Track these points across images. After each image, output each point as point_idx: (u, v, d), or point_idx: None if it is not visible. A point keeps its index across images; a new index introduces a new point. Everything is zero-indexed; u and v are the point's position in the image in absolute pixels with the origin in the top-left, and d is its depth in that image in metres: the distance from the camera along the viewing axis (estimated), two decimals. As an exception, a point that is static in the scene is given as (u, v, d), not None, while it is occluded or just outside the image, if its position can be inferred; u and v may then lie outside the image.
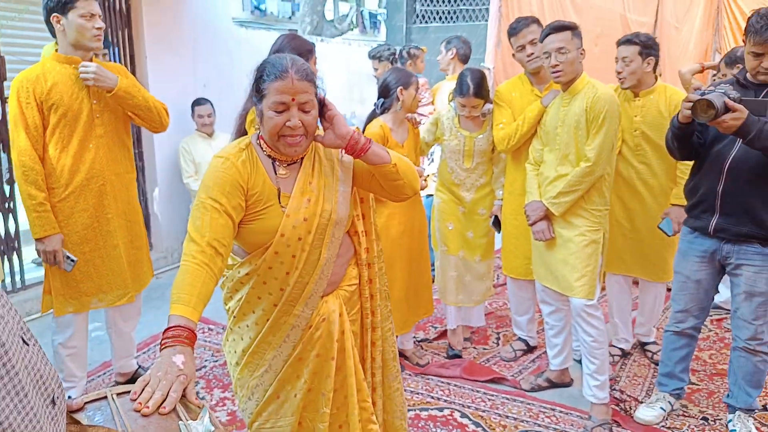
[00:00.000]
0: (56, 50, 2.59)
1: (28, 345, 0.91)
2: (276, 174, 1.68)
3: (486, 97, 3.16)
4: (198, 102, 4.69)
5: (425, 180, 3.21)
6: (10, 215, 3.88)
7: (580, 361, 3.01)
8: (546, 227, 2.81)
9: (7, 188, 3.87)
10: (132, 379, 3.11)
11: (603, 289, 3.22)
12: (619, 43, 3.07)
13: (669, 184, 3.06)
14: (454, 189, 3.29)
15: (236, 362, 1.81)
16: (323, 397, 1.77)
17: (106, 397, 1.16)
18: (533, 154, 2.99)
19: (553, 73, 2.73)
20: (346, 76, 7.31)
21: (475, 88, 3.08)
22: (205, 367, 3.33)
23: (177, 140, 4.63)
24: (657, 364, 3.09)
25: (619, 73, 3.05)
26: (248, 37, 5.80)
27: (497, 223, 3.30)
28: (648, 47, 2.99)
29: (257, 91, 1.61)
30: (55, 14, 2.48)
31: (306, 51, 2.48)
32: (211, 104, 4.69)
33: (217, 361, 3.39)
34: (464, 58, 4.45)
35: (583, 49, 2.74)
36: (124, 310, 2.92)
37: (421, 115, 4.16)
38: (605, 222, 2.80)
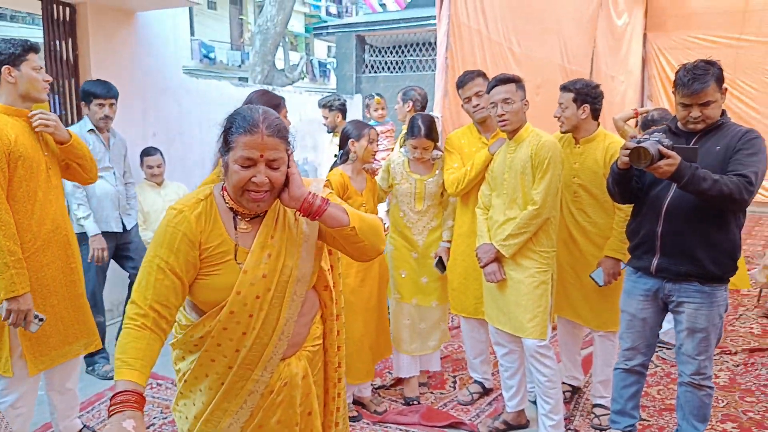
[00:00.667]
0: None
1: None
2: (236, 228, 1.60)
3: (435, 140, 3.27)
4: (147, 152, 4.62)
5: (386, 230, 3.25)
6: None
7: (535, 402, 3.05)
8: (497, 269, 2.89)
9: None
10: (76, 441, 2.95)
11: (554, 328, 3.29)
12: (560, 88, 3.15)
13: (607, 232, 3.04)
14: (406, 232, 3.34)
15: (188, 429, 1.68)
16: None
17: None
18: (482, 199, 3.08)
19: (500, 122, 2.86)
20: (298, 124, 7.38)
21: (425, 130, 3.19)
22: (153, 425, 3.19)
23: (125, 189, 4.53)
24: (599, 430, 3.10)
25: (557, 117, 3.13)
26: (197, 86, 5.79)
27: (441, 264, 3.35)
28: (583, 95, 3.01)
29: (225, 143, 1.53)
30: (6, 66, 2.46)
31: (275, 105, 2.52)
32: (161, 153, 4.63)
33: (166, 418, 3.26)
34: (421, 109, 4.44)
35: (527, 100, 2.88)
36: (67, 366, 2.79)
37: (377, 161, 4.21)
38: (553, 263, 2.89)
